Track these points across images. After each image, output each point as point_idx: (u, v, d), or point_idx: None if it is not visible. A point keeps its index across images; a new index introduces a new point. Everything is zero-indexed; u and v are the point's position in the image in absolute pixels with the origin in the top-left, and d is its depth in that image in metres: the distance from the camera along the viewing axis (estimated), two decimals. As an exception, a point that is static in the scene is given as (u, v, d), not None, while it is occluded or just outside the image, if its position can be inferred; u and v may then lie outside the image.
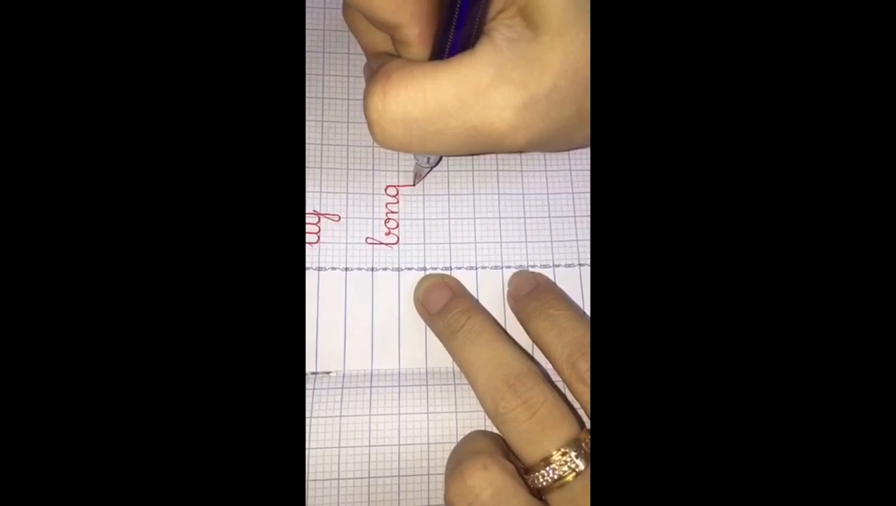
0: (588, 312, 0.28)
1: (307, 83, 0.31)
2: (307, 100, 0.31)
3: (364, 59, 0.29)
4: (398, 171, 0.30)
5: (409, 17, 0.23)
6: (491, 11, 0.24)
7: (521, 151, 0.30)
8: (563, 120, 0.24)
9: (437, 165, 0.30)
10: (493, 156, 0.31)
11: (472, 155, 0.31)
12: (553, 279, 0.29)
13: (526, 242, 0.30)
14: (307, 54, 0.32)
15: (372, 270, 0.29)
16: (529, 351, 0.28)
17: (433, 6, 0.23)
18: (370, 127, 0.24)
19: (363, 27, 0.27)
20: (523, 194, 0.31)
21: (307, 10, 0.32)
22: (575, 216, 0.31)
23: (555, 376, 0.26)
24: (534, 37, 0.23)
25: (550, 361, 0.26)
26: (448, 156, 0.31)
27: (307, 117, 0.31)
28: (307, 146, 0.30)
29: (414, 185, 0.30)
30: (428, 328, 0.28)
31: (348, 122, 0.31)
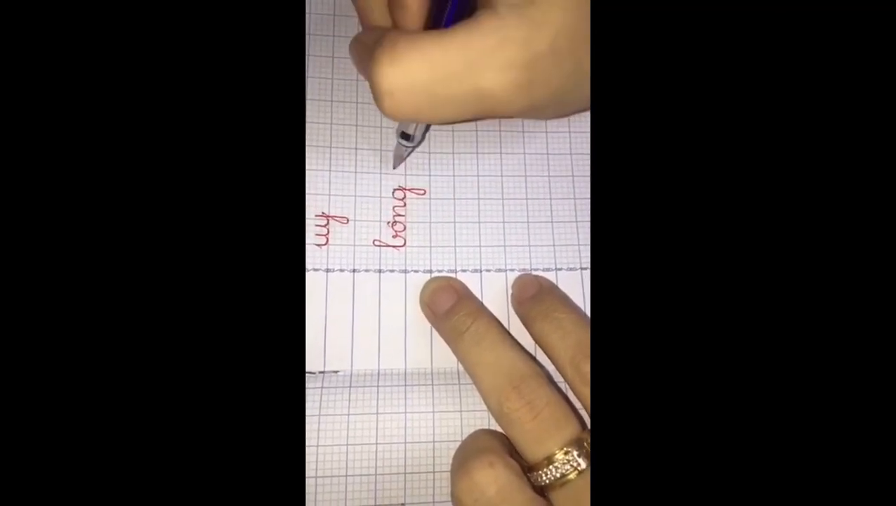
0: (589, 314, 0.29)
1: (317, 86, 0.32)
2: (317, 103, 0.31)
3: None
4: (405, 174, 0.31)
5: None
6: None
7: (521, 115, 0.31)
8: (563, 77, 0.25)
9: (419, 145, 0.30)
10: (498, 161, 0.32)
11: (475, 120, 0.31)
12: (556, 282, 0.30)
13: (529, 246, 0.31)
14: (317, 58, 0.32)
15: (379, 271, 0.29)
16: (532, 353, 0.28)
17: None
18: (379, 98, 0.24)
19: None
20: (527, 199, 0.31)
21: (316, 16, 0.33)
22: (577, 221, 0.31)
23: (558, 378, 0.27)
24: (532, 1, 0.24)
25: (554, 363, 0.27)
26: (452, 123, 0.31)
27: (317, 120, 0.31)
28: (317, 149, 0.31)
29: (394, 168, 0.30)
30: (434, 329, 0.29)
31: (357, 126, 0.31)
